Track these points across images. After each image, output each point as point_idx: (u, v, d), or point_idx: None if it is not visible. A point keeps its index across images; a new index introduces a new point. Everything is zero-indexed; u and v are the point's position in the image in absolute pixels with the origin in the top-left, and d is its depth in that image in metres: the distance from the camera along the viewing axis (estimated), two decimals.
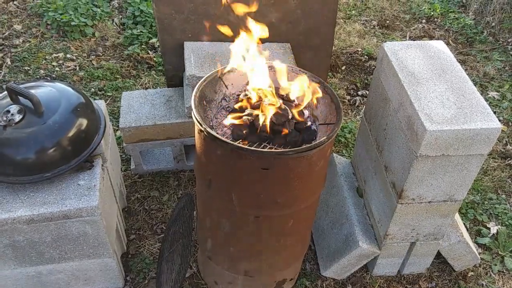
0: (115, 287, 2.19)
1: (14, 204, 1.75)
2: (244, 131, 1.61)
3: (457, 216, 2.32)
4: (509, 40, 4.28)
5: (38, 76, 3.48)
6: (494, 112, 3.42)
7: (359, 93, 3.58)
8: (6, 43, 3.79)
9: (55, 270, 2.00)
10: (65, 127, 1.79)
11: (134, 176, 2.77)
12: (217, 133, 1.57)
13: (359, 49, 4.03)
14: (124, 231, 2.41)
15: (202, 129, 1.52)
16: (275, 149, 1.58)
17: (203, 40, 2.61)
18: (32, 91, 1.78)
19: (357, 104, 3.48)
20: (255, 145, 1.59)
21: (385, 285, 2.31)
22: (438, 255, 2.29)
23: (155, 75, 3.59)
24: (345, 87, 3.62)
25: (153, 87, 3.46)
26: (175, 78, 2.79)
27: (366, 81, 3.69)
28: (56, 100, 1.83)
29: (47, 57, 3.68)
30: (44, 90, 1.86)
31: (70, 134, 1.79)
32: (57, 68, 3.57)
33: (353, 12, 4.65)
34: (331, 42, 2.90)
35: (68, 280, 2.07)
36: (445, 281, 2.34)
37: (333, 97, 1.71)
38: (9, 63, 3.58)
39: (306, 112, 1.74)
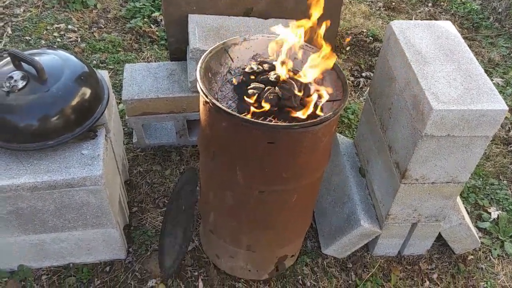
0: (118, 258, 2.20)
1: (17, 171, 1.73)
2: (249, 104, 1.60)
3: (459, 200, 2.33)
4: None
5: (39, 46, 3.43)
6: None
7: (363, 74, 3.55)
8: (6, 12, 3.73)
9: (58, 239, 2.01)
10: (68, 95, 1.77)
11: (136, 150, 2.75)
12: (222, 105, 1.55)
13: (364, 30, 3.99)
14: (127, 204, 2.41)
15: (208, 100, 1.50)
16: (281, 122, 1.56)
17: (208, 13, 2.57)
18: (36, 58, 1.76)
19: (360, 85, 3.46)
20: (260, 119, 1.57)
21: (385, 265, 2.32)
22: (439, 237, 2.30)
23: (157, 49, 3.55)
24: (349, 68, 3.60)
25: (155, 61, 3.43)
26: (178, 52, 2.75)
27: (370, 62, 3.66)
28: (60, 68, 1.81)
29: (48, 27, 3.63)
30: (47, 58, 1.84)
31: (74, 102, 1.77)
32: (58, 39, 3.53)
33: None
34: (337, 22, 2.87)
35: (71, 250, 2.08)
36: (445, 264, 2.35)
37: (339, 73, 1.69)
38: (9, 32, 3.53)
39: (312, 88, 1.72)
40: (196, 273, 2.21)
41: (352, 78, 3.52)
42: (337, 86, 1.70)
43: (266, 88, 1.63)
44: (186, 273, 2.21)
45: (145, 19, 3.80)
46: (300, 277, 2.24)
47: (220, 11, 2.58)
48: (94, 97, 1.87)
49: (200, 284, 2.17)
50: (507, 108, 1.69)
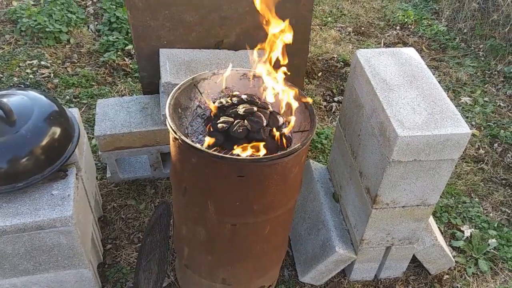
0: None
1: None
2: (219, 138, 1.62)
3: (432, 220, 2.36)
4: (480, 46, 4.39)
5: (11, 84, 3.42)
6: (467, 117, 3.51)
7: (335, 99, 3.62)
8: None
9: (30, 282, 1.96)
10: (37, 136, 1.76)
11: (110, 185, 2.74)
12: (192, 141, 1.57)
13: (335, 56, 4.08)
14: (100, 241, 2.38)
15: (177, 137, 1.52)
16: (250, 156, 1.58)
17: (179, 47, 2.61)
18: (4, 99, 1.76)
19: (333, 110, 3.52)
20: (230, 153, 1.59)
21: None
22: (414, 259, 2.32)
23: (131, 82, 3.56)
24: (322, 93, 3.66)
25: (129, 94, 3.44)
26: (151, 85, 2.77)
27: (342, 87, 3.73)
28: (29, 108, 1.81)
29: (20, 64, 3.63)
30: (16, 99, 1.84)
31: (43, 143, 1.77)
32: (31, 76, 3.52)
33: (329, 19, 4.71)
34: (306, 49, 2.94)
35: None
36: (421, 285, 2.37)
37: (307, 104, 1.73)
38: None
39: (281, 119, 1.75)
40: None
41: (324, 103, 3.58)
42: (305, 117, 1.73)
43: (236, 121, 1.65)
44: None
45: (118, 52, 3.83)
46: None
47: (191, 44, 2.62)
48: (64, 136, 1.87)
49: None
50: (470, 131, 1.74)
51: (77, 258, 1.92)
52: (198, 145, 1.51)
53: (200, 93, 1.81)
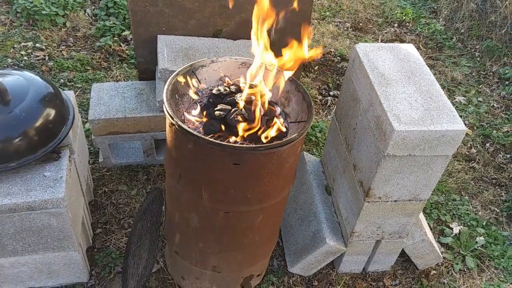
0: (80, 281, 2.16)
1: None
2: (215, 126, 1.61)
3: (422, 216, 2.38)
4: (476, 47, 4.41)
5: (5, 65, 3.38)
6: (460, 116, 3.52)
7: (331, 93, 3.62)
8: None
9: (18, 263, 1.96)
10: (32, 117, 1.75)
11: (102, 170, 2.72)
12: (189, 127, 1.56)
13: (332, 50, 4.08)
14: (90, 225, 2.38)
15: (174, 122, 1.51)
16: (247, 144, 1.58)
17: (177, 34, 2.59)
18: None
19: (328, 104, 3.53)
20: (226, 140, 1.59)
21: (350, 282, 2.35)
22: (402, 253, 2.34)
23: (126, 68, 3.54)
24: (317, 87, 3.66)
25: (124, 80, 3.41)
26: (147, 72, 2.76)
27: (338, 81, 3.74)
28: (24, 89, 1.79)
29: (15, 45, 3.59)
30: (11, 79, 1.82)
31: (37, 124, 1.75)
32: (25, 57, 3.48)
33: (328, 13, 4.70)
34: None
35: (31, 273, 2.03)
36: (409, 279, 2.39)
37: (305, 95, 1.72)
38: None
39: (278, 109, 1.75)
40: None
41: (320, 97, 3.58)
42: (303, 108, 1.73)
43: (233, 109, 1.65)
44: None
45: (114, 38, 3.79)
46: None
47: (189, 32, 2.60)
48: (59, 118, 1.85)
49: None
50: (465, 128, 1.75)
51: (67, 241, 1.91)
52: (195, 132, 1.50)
53: (198, 80, 1.80)
